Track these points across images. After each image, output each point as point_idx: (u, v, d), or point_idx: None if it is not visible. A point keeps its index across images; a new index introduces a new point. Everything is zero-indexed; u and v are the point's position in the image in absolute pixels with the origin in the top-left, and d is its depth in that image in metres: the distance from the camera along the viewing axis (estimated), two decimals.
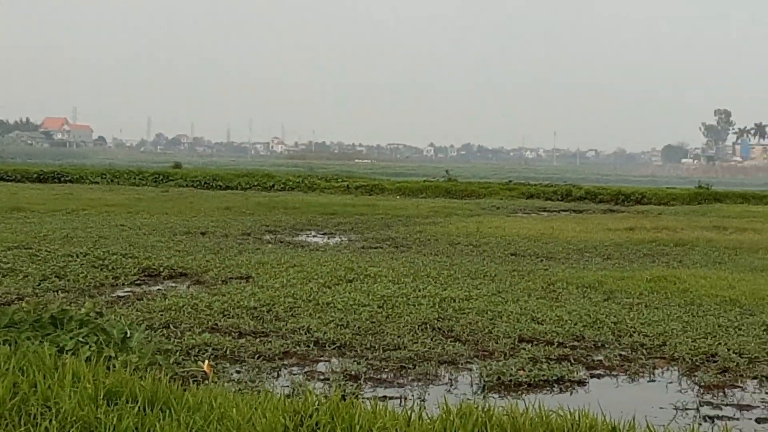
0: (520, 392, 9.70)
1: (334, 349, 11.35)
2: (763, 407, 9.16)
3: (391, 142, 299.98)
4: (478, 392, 9.70)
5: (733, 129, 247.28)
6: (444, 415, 6.57)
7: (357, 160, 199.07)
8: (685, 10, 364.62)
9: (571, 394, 9.77)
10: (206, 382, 9.05)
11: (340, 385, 9.45)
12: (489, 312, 13.59)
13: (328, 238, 26.43)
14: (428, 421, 6.58)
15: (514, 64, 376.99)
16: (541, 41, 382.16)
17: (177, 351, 10.58)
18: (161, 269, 17.60)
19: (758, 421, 8.66)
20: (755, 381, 10.16)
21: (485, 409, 6.53)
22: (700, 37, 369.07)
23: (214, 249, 20.99)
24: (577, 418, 6.58)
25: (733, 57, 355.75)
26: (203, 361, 10.00)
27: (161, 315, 12.85)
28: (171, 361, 9.90)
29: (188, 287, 15.80)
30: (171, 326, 12.18)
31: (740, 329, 12.54)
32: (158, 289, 15.50)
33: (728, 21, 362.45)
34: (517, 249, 22.99)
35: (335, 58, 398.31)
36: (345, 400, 6.94)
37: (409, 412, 6.61)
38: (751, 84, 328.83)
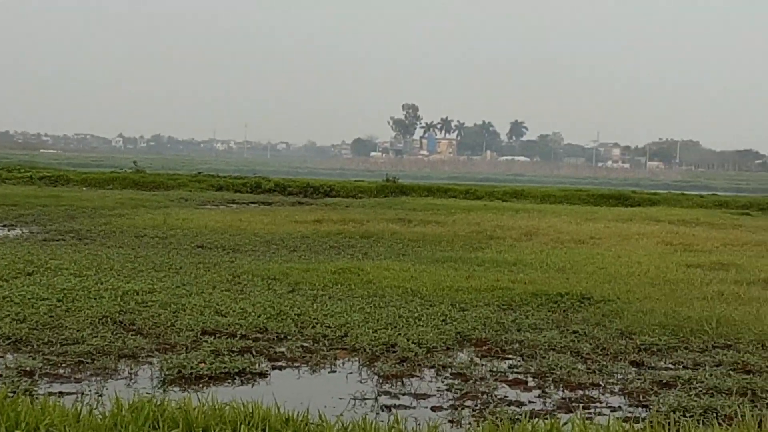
0: (201, 385, 9.69)
1: (9, 344, 10.97)
2: (438, 396, 9.55)
3: (78, 132, 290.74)
4: (158, 386, 9.60)
5: (421, 123, 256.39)
6: (116, 411, 6.46)
7: (42, 150, 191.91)
8: (368, 9, 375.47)
9: (253, 386, 9.85)
10: None
11: (14, 381, 9.12)
12: (172, 305, 13.51)
13: (8, 230, 25.52)
14: (99, 416, 6.46)
15: (205, 54, 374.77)
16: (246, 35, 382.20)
17: None
18: None
19: (433, 409, 9.03)
20: (432, 370, 10.59)
21: (158, 404, 6.47)
22: (386, 35, 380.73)
23: None
24: (250, 410, 6.65)
25: (420, 53, 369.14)
26: None
27: None
28: None
29: None
30: None
31: (420, 320, 13.04)
32: None
33: (415, 20, 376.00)
34: (204, 241, 22.93)
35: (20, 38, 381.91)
36: (13, 396, 6.69)
37: (80, 408, 6.46)
38: (437, 79, 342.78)
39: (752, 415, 7.42)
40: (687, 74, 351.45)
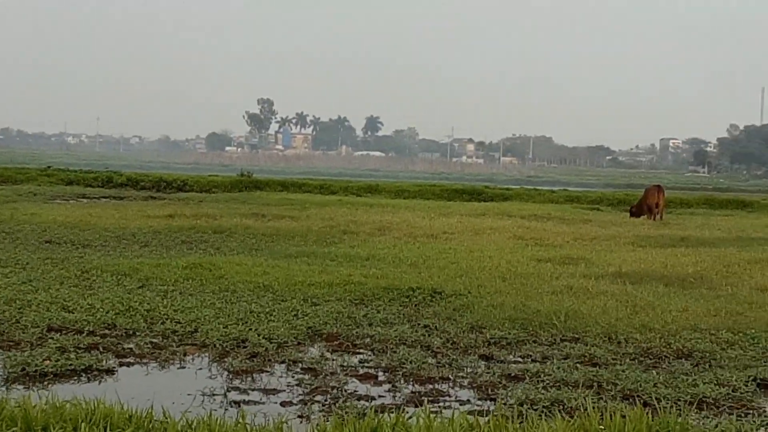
0: (45, 383, 9.46)
1: None
2: (288, 391, 9.52)
3: None
4: (1, 384, 9.35)
5: (276, 118, 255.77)
6: None
7: None
8: (223, 1, 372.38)
9: (99, 383, 9.66)
10: None
11: None
12: (17, 301, 13.23)
13: None
14: None
15: (54, 45, 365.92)
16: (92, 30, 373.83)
17: None
18: None
19: (283, 404, 8.99)
20: (283, 365, 10.55)
21: None
22: (241, 28, 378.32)
23: None
24: (92, 408, 6.52)
25: (275, 47, 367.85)
26: None
27: None
28: None
29: None
30: None
31: (272, 315, 12.98)
32: None
33: (271, 14, 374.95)
34: (52, 236, 22.42)
35: None
36: None
37: None
38: (292, 74, 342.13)
39: (595, 408, 7.60)
40: (538, 71, 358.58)
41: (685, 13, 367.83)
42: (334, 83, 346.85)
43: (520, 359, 11.16)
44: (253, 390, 9.53)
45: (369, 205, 38.78)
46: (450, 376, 10.23)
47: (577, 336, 12.25)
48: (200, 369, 10.38)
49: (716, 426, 7.70)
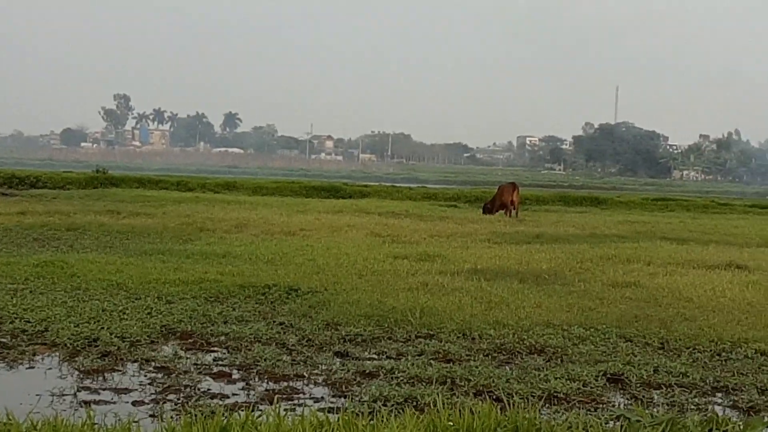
0: None
1: None
2: (141, 390, 9.38)
3: None
4: None
5: (133, 114, 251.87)
6: None
7: None
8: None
9: None
10: None
11: None
12: None
13: None
14: None
15: None
16: None
17: None
18: None
19: (135, 404, 8.86)
20: (135, 364, 10.39)
21: None
22: (95, 22, 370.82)
23: None
24: None
25: (131, 41, 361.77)
26: None
27: None
28: None
29: None
30: None
31: (125, 313, 12.78)
32: None
33: (125, 8, 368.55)
34: None
35: None
36: None
37: None
38: (149, 69, 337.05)
39: (447, 404, 7.69)
40: (393, 70, 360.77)
41: (542, 15, 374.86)
42: (192, 79, 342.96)
43: (375, 356, 11.21)
44: (104, 389, 9.36)
45: (227, 202, 38.51)
46: (305, 373, 10.22)
47: (432, 332, 12.37)
48: (50, 369, 10.15)
49: (565, 420, 7.85)
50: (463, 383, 9.79)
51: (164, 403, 8.90)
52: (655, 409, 9.13)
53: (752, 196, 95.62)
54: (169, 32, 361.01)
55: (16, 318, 12.20)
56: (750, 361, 11.30)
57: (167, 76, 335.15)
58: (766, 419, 6.26)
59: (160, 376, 9.92)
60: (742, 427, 5.88)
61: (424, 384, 9.66)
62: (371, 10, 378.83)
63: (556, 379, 10.01)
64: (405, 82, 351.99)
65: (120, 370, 10.13)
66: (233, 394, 9.36)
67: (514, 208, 38.23)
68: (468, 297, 14.92)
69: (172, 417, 8.18)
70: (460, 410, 6.62)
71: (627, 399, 9.66)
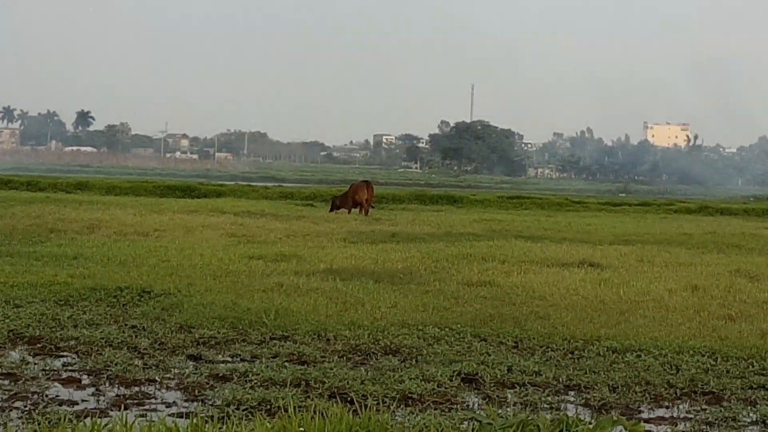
0: None
1: None
2: None
3: None
4: None
5: None
6: None
7: None
8: None
9: None
10: None
11: None
12: None
13: None
14: None
15: None
16: None
17: None
18: None
19: None
20: None
21: None
22: None
23: None
24: None
25: None
26: None
27: None
28: None
29: None
30: None
31: None
32: None
33: None
34: None
35: None
36: None
37: None
38: None
39: (301, 407, 7.67)
40: (238, 67, 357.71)
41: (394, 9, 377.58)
42: (43, 76, 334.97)
43: (229, 359, 11.12)
44: None
45: (79, 203, 37.65)
46: (157, 377, 10.07)
47: (287, 334, 12.33)
48: None
49: (419, 422, 7.91)
50: (317, 385, 9.77)
51: (10, 410, 8.66)
52: (508, 409, 9.29)
53: (605, 194, 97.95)
54: (19, 27, 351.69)
55: None
56: (602, 359, 11.56)
57: (16, 74, 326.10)
58: (615, 418, 6.38)
59: (6, 383, 9.66)
60: (592, 427, 5.99)
61: (278, 387, 9.61)
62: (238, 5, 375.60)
63: (410, 379, 10.07)
64: (259, 80, 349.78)
65: None
66: (83, 401, 9.17)
67: (369, 207, 38.36)
68: (323, 297, 14.92)
69: (17, 427, 7.96)
70: (311, 415, 6.59)
71: (481, 399, 9.78)
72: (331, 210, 38.34)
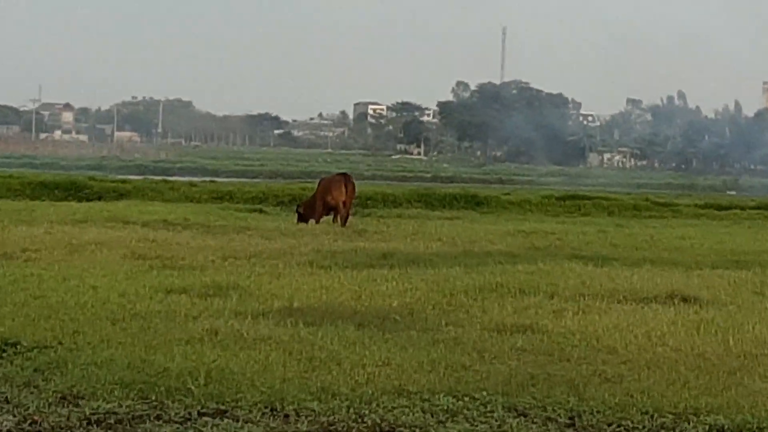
0: None
1: None
2: None
3: None
4: None
5: None
6: None
7: None
8: None
9: None
10: None
11: None
12: None
13: None
14: None
15: None
16: None
17: None
18: None
19: None
20: None
21: None
22: None
23: None
24: None
25: None
26: None
27: None
28: None
29: None
30: None
31: None
32: None
33: None
34: None
35: None
36: None
37: None
38: None
39: None
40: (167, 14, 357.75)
41: None
42: None
43: None
44: None
45: None
46: None
47: (224, 408, 12.31)
48: None
49: None
50: None
51: None
52: None
53: (706, 192, 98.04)
54: None
55: None
56: None
57: None
58: None
59: None
60: None
61: None
62: None
63: None
64: (179, 29, 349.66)
65: None
66: None
67: (346, 212, 38.08)
68: (279, 351, 14.92)
69: None
70: None
71: None
72: (299, 221, 38.13)
